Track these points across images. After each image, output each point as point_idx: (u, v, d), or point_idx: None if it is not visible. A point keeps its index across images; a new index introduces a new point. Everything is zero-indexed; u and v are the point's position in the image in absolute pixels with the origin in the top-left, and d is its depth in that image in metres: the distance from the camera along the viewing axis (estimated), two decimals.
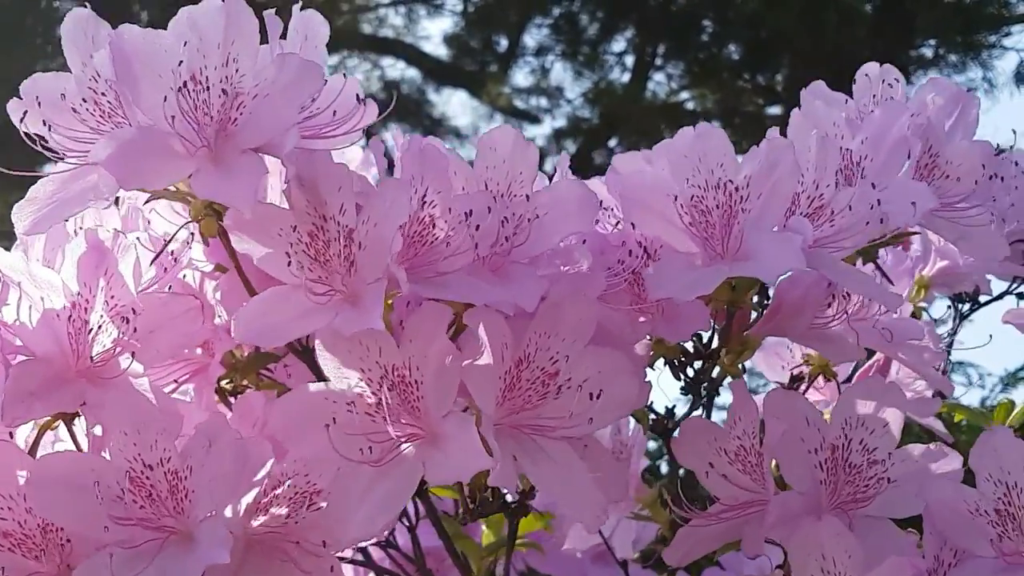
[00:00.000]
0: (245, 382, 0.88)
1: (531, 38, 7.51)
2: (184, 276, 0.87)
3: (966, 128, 0.97)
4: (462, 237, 0.76)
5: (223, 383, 0.88)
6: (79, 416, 0.80)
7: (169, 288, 0.85)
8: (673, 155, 0.83)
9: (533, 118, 7.32)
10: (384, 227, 0.72)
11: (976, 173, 0.93)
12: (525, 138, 0.83)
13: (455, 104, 12.23)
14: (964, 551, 0.77)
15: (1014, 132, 1.02)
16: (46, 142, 0.77)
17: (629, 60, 7.21)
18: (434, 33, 9.15)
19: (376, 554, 1.05)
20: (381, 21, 7.89)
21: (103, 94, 0.76)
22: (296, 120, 0.75)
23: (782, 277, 0.92)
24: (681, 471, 0.91)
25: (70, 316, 0.77)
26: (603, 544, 1.22)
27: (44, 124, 0.77)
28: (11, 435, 0.80)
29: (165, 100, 0.73)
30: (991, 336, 1.13)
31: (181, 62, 0.73)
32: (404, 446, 0.73)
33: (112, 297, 0.78)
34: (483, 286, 0.76)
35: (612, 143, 6.67)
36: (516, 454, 0.73)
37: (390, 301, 0.79)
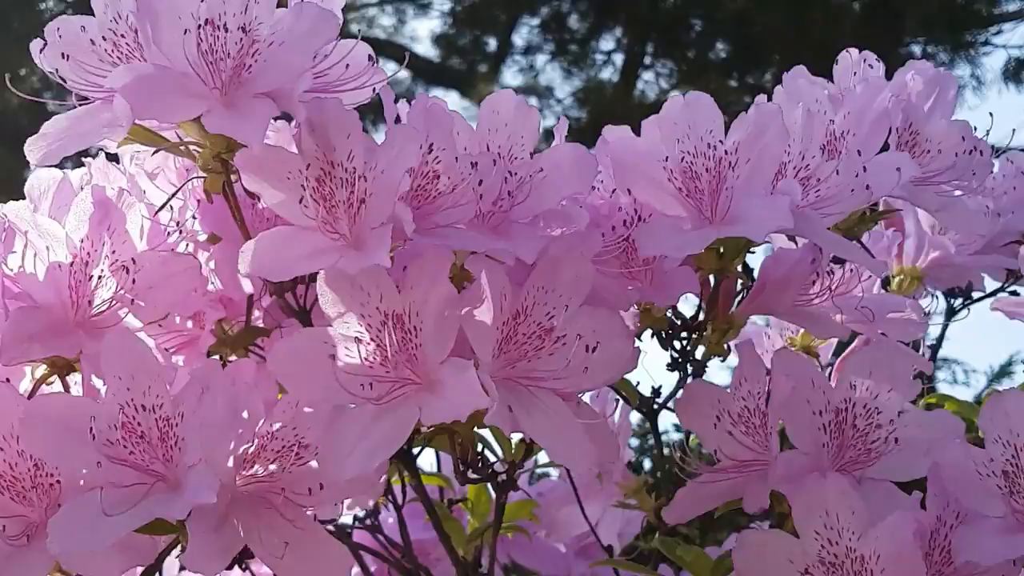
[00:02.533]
0: (234, 357, 0.90)
1: (520, 37, 7.53)
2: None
3: (944, 108, 1.00)
4: (465, 190, 0.78)
5: (213, 357, 0.90)
6: (74, 371, 0.82)
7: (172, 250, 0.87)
8: (663, 123, 0.85)
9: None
10: (391, 172, 0.73)
11: (956, 148, 0.96)
12: (527, 102, 0.86)
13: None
14: (967, 512, 0.78)
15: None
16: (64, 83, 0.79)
17: (618, 59, 7.24)
18: (423, 34, 9.16)
19: (361, 538, 1.07)
20: (370, 22, 7.88)
21: (123, 35, 0.79)
22: (309, 67, 0.77)
23: (767, 255, 0.95)
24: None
25: (72, 268, 0.79)
26: (588, 537, 1.24)
27: (63, 57, 0.79)
28: (8, 381, 0.81)
29: (185, 35, 0.74)
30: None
31: (202, 1, 0.75)
32: (401, 390, 0.74)
33: (114, 252, 0.80)
34: (484, 236, 0.78)
35: None
36: (511, 404, 0.75)
37: (391, 255, 0.82)
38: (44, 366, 0.82)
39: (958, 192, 0.96)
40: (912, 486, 0.83)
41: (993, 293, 1.21)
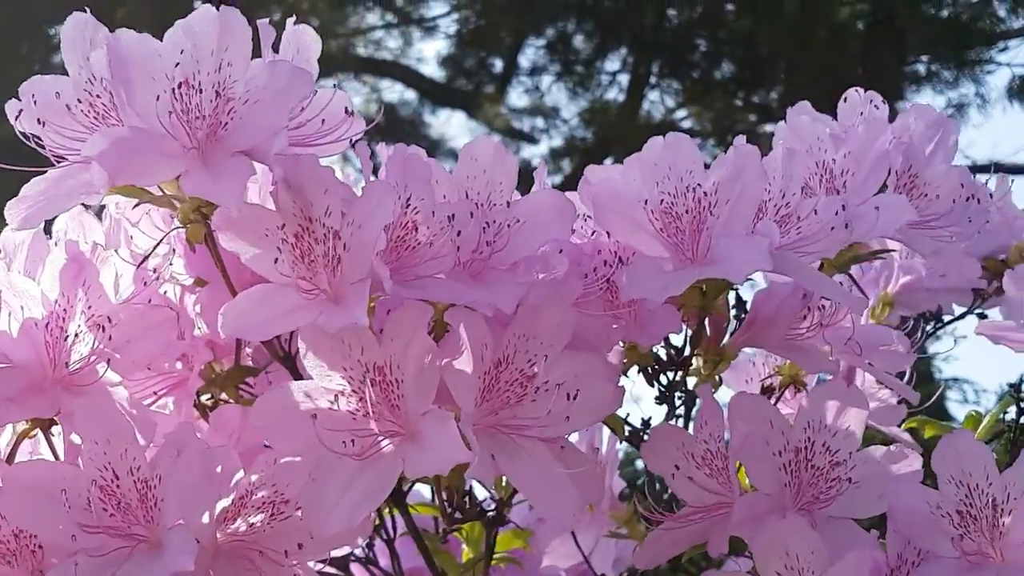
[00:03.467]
0: (224, 396, 0.90)
1: (526, 58, 7.58)
2: (165, 292, 0.89)
3: (946, 153, 1.00)
4: (443, 241, 0.79)
5: (203, 397, 0.90)
6: (55, 424, 0.82)
7: (149, 301, 0.87)
8: (644, 164, 0.86)
9: (530, 138, 7.36)
10: (368, 228, 0.74)
11: (954, 194, 0.96)
12: (505, 148, 0.86)
13: (452, 125, 12.27)
14: (927, 552, 0.79)
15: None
16: (40, 143, 0.80)
17: (624, 79, 7.27)
18: (430, 55, 9.21)
19: (357, 572, 1.07)
20: (377, 44, 7.94)
21: (98, 96, 0.79)
22: (285, 125, 0.78)
23: (759, 289, 0.96)
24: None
25: (48, 325, 0.79)
26: (583, 564, 1.24)
27: (39, 122, 0.79)
28: None
29: (158, 99, 0.75)
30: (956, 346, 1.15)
31: (177, 64, 0.75)
32: (384, 442, 0.75)
33: (90, 307, 0.80)
34: (463, 288, 0.78)
35: (608, 162, 6.72)
36: (494, 452, 0.75)
37: (372, 305, 0.82)
38: (25, 421, 0.82)
39: (952, 234, 0.95)
40: (874, 522, 0.84)
41: (962, 316, 1.23)
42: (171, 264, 0.89)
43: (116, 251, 0.86)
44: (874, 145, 0.93)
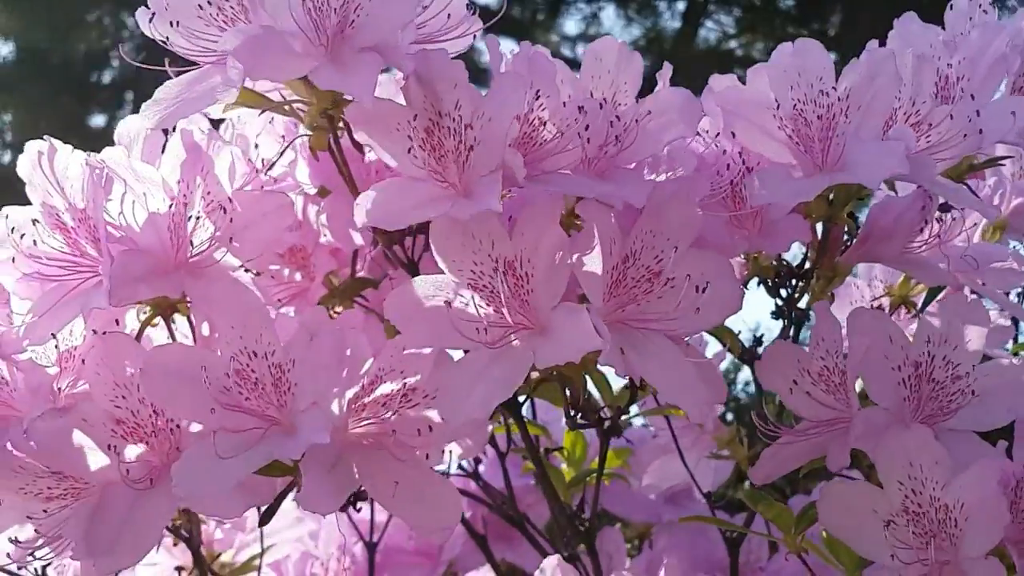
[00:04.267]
0: (341, 309, 0.92)
1: None
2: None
3: None
4: (571, 135, 0.78)
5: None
6: (177, 312, 0.85)
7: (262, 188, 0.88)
8: (772, 70, 0.85)
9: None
10: (500, 120, 0.74)
11: None
12: (629, 49, 0.86)
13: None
14: None
15: None
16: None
17: (680, 6, 7.10)
18: None
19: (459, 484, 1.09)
20: None
21: None
22: (411, 19, 0.78)
23: (874, 203, 0.94)
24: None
25: (171, 210, 0.81)
26: (679, 485, 1.25)
27: (172, 24, 0.80)
28: (116, 322, 0.84)
29: None
30: None
31: None
32: (514, 336, 0.75)
33: (209, 193, 0.82)
34: (593, 182, 0.78)
35: None
36: (623, 347, 0.75)
37: (503, 199, 0.82)
38: (148, 308, 0.85)
39: None
40: (998, 435, 0.83)
41: None
42: (296, 170, 0.90)
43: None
44: (989, 48, 0.92)
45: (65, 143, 0.83)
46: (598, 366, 0.77)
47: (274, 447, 0.74)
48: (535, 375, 0.81)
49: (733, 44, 7.01)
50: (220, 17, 0.80)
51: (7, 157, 6.23)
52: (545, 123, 0.79)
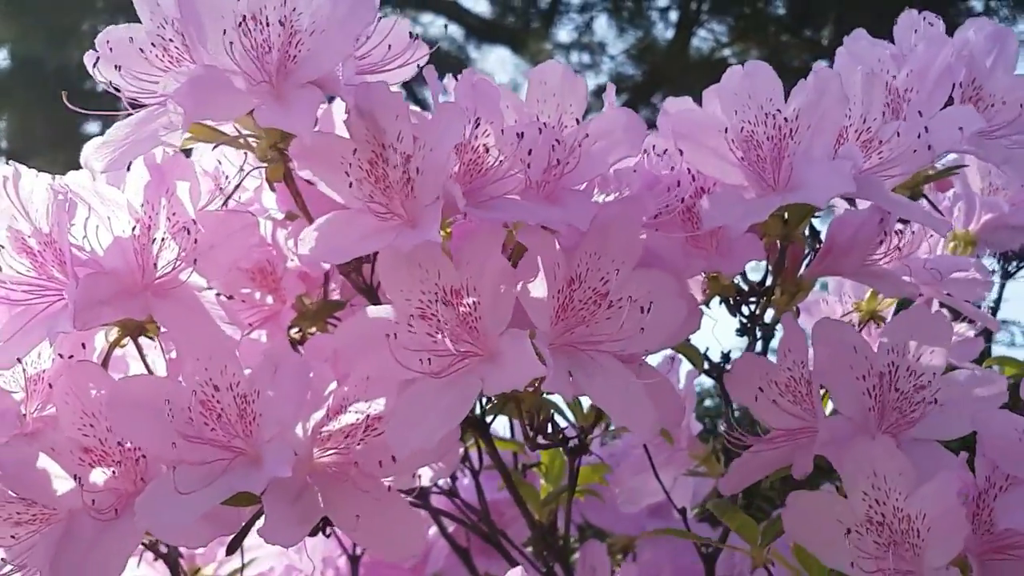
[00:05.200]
0: (313, 330, 0.92)
1: None
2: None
3: (1007, 63, 0.99)
4: (513, 161, 0.79)
5: (292, 332, 0.92)
6: (144, 333, 0.85)
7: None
8: (723, 93, 0.86)
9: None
10: (440, 149, 0.74)
11: (1020, 102, 0.94)
12: (573, 71, 0.86)
13: (497, 61, 12.17)
14: (1014, 476, 0.77)
15: None
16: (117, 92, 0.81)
17: (673, 15, 7.11)
18: None
19: (439, 503, 1.09)
20: None
21: (171, 40, 0.81)
22: (352, 52, 0.79)
23: (834, 217, 0.94)
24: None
25: (135, 232, 0.82)
26: (659, 502, 1.24)
27: (116, 68, 0.81)
28: (83, 346, 0.84)
29: (228, 33, 0.76)
30: None
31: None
32: (463, 363, 0.75)
33: (173, 214, 0.82)
34: (536, 207, 0.78)
35: (656, 100, 6.63)
36: (571, 369, 0.75)
37: (448, 229, 0.82)
38: (116, 330, 0.85)
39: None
40: (961, 443, 0.83)
41: None
42: (262, 197, 0.91)
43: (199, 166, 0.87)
44: (936, 60, 0.92)
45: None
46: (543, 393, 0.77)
47: (236, 480, 0.74)
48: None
49: (726, 52, 7.01)
50: (165, 58, 0.81)
51: (1, 164, 6.26)
52: (488, 149, 0.79)
